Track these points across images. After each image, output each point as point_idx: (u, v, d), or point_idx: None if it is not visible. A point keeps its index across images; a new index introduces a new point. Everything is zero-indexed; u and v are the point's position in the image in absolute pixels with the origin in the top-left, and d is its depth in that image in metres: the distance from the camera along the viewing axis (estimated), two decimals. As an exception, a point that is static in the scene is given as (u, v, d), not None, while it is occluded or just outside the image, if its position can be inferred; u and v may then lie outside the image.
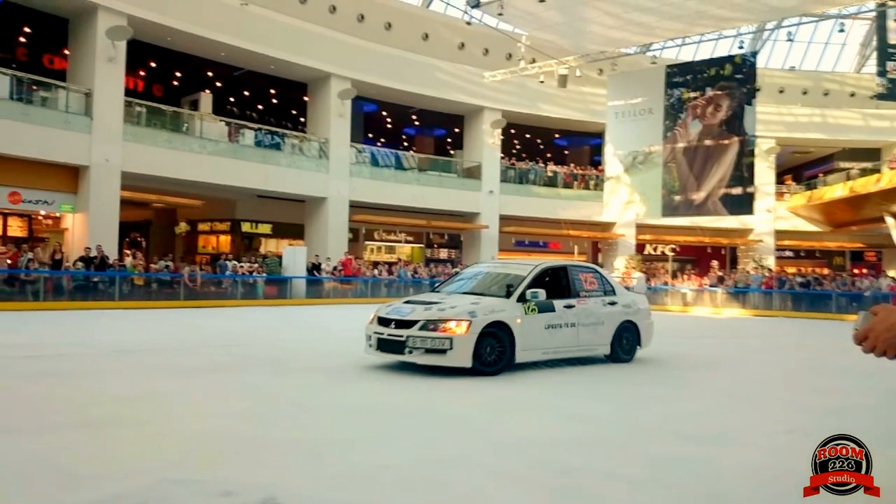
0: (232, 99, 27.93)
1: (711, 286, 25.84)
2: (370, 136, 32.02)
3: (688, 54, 30.73)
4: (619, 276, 27.55)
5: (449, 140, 33.71)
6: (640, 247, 32.29)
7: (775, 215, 32.57)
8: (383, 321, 7.80)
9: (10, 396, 5.85)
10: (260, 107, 29.48)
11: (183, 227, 26.58)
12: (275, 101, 29.12)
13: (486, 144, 29.63)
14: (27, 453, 4.11)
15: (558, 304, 8.35)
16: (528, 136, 33.94)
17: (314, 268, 23.15)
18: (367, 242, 30.16)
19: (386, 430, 5.05)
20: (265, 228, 27.64)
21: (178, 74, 25.82)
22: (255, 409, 5.62)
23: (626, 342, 9.13)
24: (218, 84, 26.00)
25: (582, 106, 30.85)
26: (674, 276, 28.85)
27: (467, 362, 7.39)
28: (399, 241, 31.19)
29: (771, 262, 31.39)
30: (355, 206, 26.35)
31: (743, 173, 26.22)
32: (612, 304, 9.01)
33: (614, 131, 29.38)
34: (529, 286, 8.19)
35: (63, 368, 7.60)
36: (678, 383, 8.06)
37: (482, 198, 29.54)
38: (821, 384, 8.08)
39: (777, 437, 5.28)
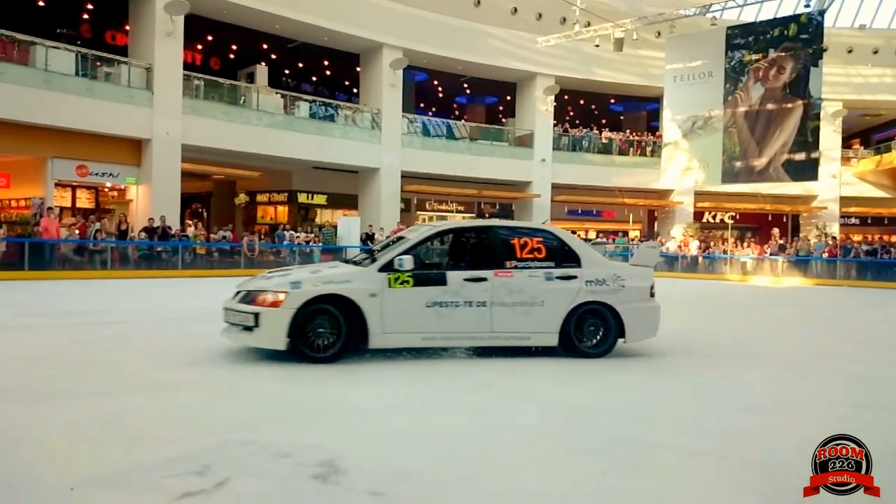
0: (287, 71, 28.23)
1: (772, 255, 25.13)
2: (421, 105, 31.96)
3: (750, 15, 29.48)
4: (675, 245, 27.21)
5: (500, 108, 33.39)
6: (698, 215, 31.54)
7: (841, 181, 31.28)
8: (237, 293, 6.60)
9: (79, 361, 6.14)
10: (314, 78, 29.73)
11: (242, 198, 27.23)
12: (328, 72, 29.32)
13: (538, 112, 29.24)
14: (96, 415, 4.34)
15: (455, 276, 6.55)
16: (582, 102, 33.32)
17: (367, 238, 23.44)
18: (419, 212, 30.30)
19: (455, 398, 5.16)
20: (320, 199, 28.07)
21: (235, 48, 26.21)
22: (315, 373, 5.79)
23: (590, 330, 6.86)
24: (273, 56, 26.29)
25: (639, 70, 30.05)
26: (734, 244, 28.17)
27: (279, 343, 6.08)
28: (450, 211, 31.23)
29: (835, 229, 30.26)
30: (407, 177, 26.48)
31: (807, 138, 25.27)
32: (565, 278, 6.77)
33: (672, 96, 28.61)
34: (407, 252, 6.52)
35: (130, 334, 7.97)
36: (736, 356, 7.90)
37: (534, 166, 29.26)
38: (890, 357, 7.84)
39: (838, 409, 5.18)
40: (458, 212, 31.41)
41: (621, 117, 35.41)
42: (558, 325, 6.72)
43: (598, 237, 30.27)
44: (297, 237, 22.19)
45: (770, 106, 26.05)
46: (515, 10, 27.80)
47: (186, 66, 21.49)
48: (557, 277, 6.78)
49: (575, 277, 6.81)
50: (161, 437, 3.92)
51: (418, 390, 5.38)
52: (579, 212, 32.27)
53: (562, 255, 6.95)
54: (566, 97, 31.17)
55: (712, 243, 27.75)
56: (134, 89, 19.69)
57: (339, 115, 25.32)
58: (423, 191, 28.53)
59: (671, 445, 4.05)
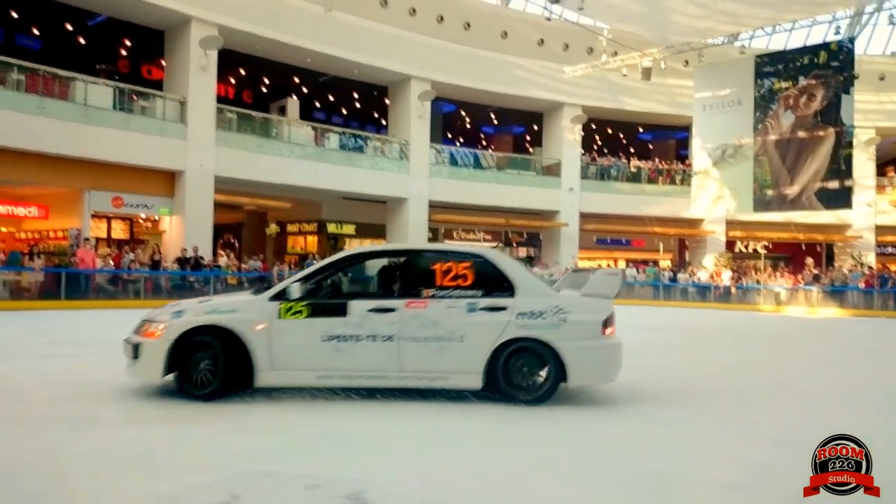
0: (317, 104, 28.75)
1: (806, 285, 24.63)
2: (449, 136, 32.25)
3: (779, 43, 29.37)
4: (707, 275, 26.83)
5: (528, 138, 33.53)
6: (730, 244, 31.13)
7: (876, 209, 30.65)
8: None
9: (105, 389, 6.19)
10: (344, 111, 30.21)
11: (273, 228, 27.59)
12: (357, 104, 29.78)
13: (565, 141, 29.31)
14: (120, 444, 4.39)
15: (358, 305, 5.78)
16: (610, 130, 33.32)
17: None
18: (447, 241, 30.37)
19: (487, 429, 5.11)
20: (349, 229, 28.31)
21: (267, 81, 26.80)
22: (343, 404, 5.78)
23: (523, 371, 5.80)
24: (304, 90, 26.82)
25: (667, 99, 30.01)
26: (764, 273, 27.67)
27: (155, 377, 5.73)
28: (478, 240, 31.24)
29: (871, 258, 29.60)
30: (435, 206, 26.65)
31: (840, 166, 24.92)
32: (492, 309, 5.78)
33: (702, 124, 28.50)
34: (307, 279, 5.97)
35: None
36: (766, 383, 7.72)
37: (562, 195, 29.22)
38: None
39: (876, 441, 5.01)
40: (485, 241, 31.43)
41: (650, 146, 35.30)
42: (482, 364, 5.71)
43: (627, 266, 30.01)
44: (326, 267, 22.31)
45: (801, 134, 25.79)
46: (542, 41, 28.06)
47: (220, 100, 22.01)
48: (483, 309, 5.79)
49: (504, 309, 5.78)
50: (185, 466, 3.94)
51: (431, 424, 5.29)
52: (608, 241, 32.05)
53: (493, 283, 5.94)
54: (594, 126, 31.20)
55: (745, 273, 27.32)
56: (168, 122, 20.20)
57: (367, 147, 25.67)
58: (451, 220, 28.63)
59: (702, 478, 3.95)
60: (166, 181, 20.63)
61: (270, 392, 6.07)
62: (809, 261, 28.02)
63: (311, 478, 3.71)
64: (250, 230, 29.21)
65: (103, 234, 21.22)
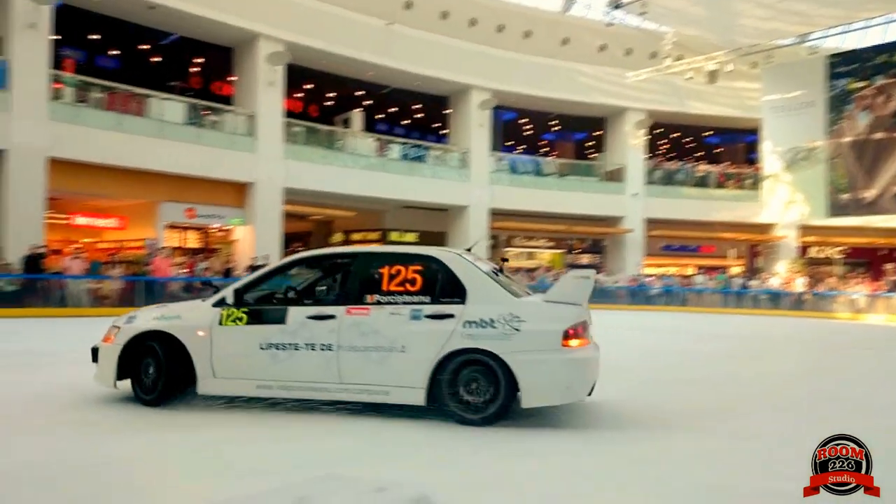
0: (380, 116, 29.24)
1: (888, 292, 23.48)
2: (509, 143, 32.23)
3: (852, 42, 28.21)
4: (779, 282, 25.93)
5: (589, 143, 33.18)
6: (803, 249, 29.97)
7: (964, 212, 28.99)
8: None
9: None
10: (405, 121, 30.62)
11: (338, 237, 28.19)
12: (418, 115, 30.12)
13: (629, 146, 28.89)
14: (193, 446, 4.57)
15: (298, 312, 5.41)
16: (675, 135, 32.61)
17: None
18: (507, 249, 30.31)
19: (556, 437, 5.13)
20: (411, 237, 28.61)
21: (332, 95, 27.43)
22: (409, 409, 5.87)
23: (471, 387, 5.13)
24: (367, 102, 27.34)
25: (734, 102, 29.23)
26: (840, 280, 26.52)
27: (110, 381, 5.68)
28: (539, 247, 31.07)
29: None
30: (495, 213, 26.69)
31: (923, 167, 23.68)
32: (438, 317, 5.21)
33: (772, 127, 27.65)
34: (250, 285, 5.74)
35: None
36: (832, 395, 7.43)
37: (626, 201, 28.79)
38: None
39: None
40: (547, 248, 31.24)
41: (717, 150, 34.39)
42: (425, 378, 5.13)
43: (698, 272, 29.30)
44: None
45: (879, 135, 24.69)
46: (604, 46, 27.79)
47: (288, 114, 22.67)
48: (428, 316, 5.21)
49: (451, 317, 5.17)
50: (254, 469, 4.09)
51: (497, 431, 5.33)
52: (676, 247, 31.35)
53: (443, 288, 5.33)
54: (658, 130, 30.66)
55: (820, 280, 26.27)
56: (238, 136, 20.94)
57: (428, 156, 25.97)
58: (512, 227, 28.59)
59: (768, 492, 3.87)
60: (237, 192, 21.37)
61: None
62: (889, 266, 26.71)
63: (375, 481, 3.80)
64: (317, 239, 29.91)
65: (178, 244, 22.11)
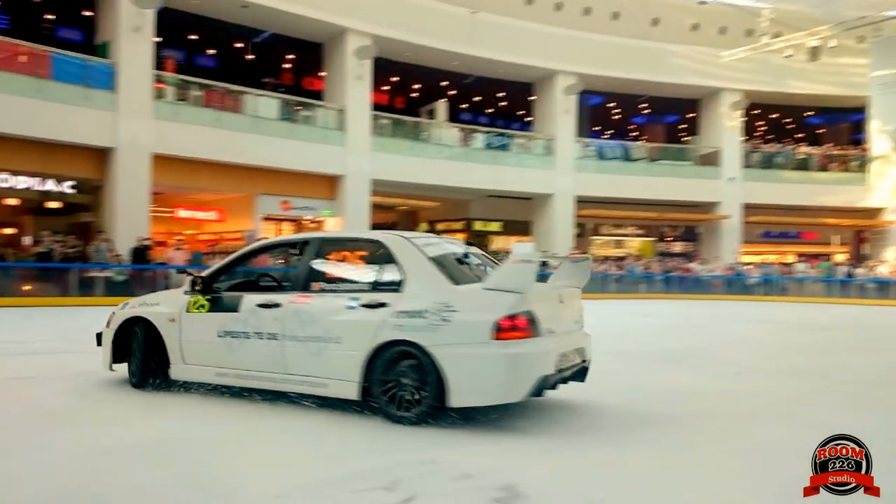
0: (463, 106, 29.33)
1: None
2: (596, 129, 31.61)
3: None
4: (889, 269, 24.28)
5: (682, 127, 32.10)
6: (916, 235, 27.98)
7: None
8: None
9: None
10: (489, 110, 30.58)
11: (424, 227, 28.53)
12: (502, 103, 30.01)
13: (724, 128, 27.74)
14: (299, 430, 4.71)
15: (250, 300, 5.31)
16: (774, 115, 31.10)
17: (542, 263, 23.42)
18: (594, 237, 29.80)
19: (645, 436, 5.05)
20: (496, 226, 28.62)
21: (417, 86, 27.73)
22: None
23: (403, 382, 4.70)
24: (451, 92, 27.47)
25: (838, 79, 27.53)
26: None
27: (106, 366, 5.96)
28: (628, 235, 30.37)
29: None
30: (581, 201, 26.27)
31: None
32: (372, 305, 4.84)
33: (881, 104, 25.93)
34: (215, 273, 5.73)
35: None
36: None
37: (722, 186, 27.69)
38: None
39: None
40: (636, 236, 30.49)
41: (819, 130, 32.50)
42: (358, 371, 4.80)
43: (799, 260, 27.88)
44: (474, 264, 22.73)
45: None
46: (696, 25, 26.74)
47: (375, 107, 23.10)
48: (364, 305, 4.85)
49: (384, 306, 4.78)
50: (356, 451, 4.21)
51: (580, 419, 5.26)
52: (775, 234, 29.94)
53: (383, 275, 4.99)
54: (756, 111, 29.28)
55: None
56: (329, 130, 21.53)
57: (512, 144, 25.83)
58: (599, 215, 28.07)
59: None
60: (328, 185, 22.00)
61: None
62: None
63: (461, 466, 3.84)
64: (403, 229, 30.35)
65: (274, 235, 22.97)
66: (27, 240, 18.29)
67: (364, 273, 5.12)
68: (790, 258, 29.15)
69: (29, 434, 4.51)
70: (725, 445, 4.57)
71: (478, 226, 28.34)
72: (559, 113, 25.66)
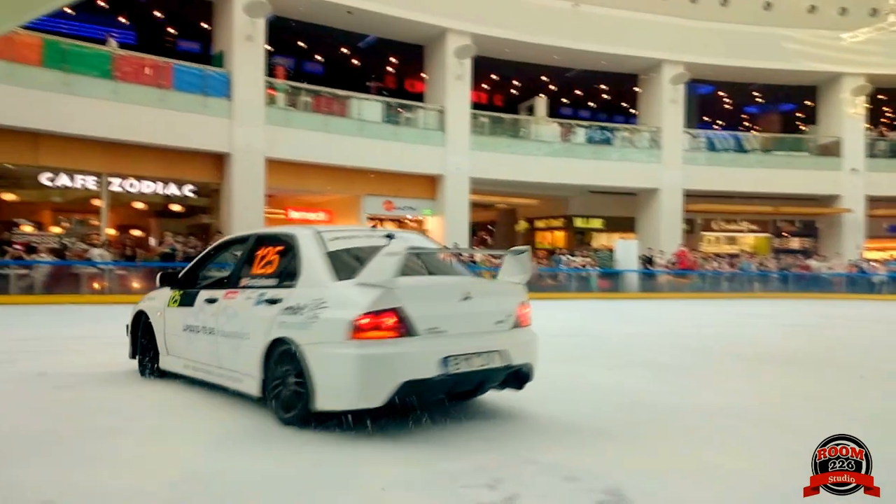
0: (564, 100, 28.97)
1: None
2: (705, 119, 30.38)
3: None
4: None
5: (799, 115, 30.31)
6: None
7: None
8: None
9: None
10: (591, 104, 30.05)
11: (523, 224, 28.45)
12: (605, 96, 29.41)
13: (846, 115, 25.94)
14: (374, 430, 4.66)
15: (202, 296, 5.52)
16: (902, 100, 28.80)
17: (647, 261, 22.83)
18: (704, 233, 28.66)
19: (740, 438, 4.88)
20: (597, 223, 28.11)
21: (516, 83, 27.66)
22: (603, 399, 5.84)
23: (287, 383, 4.50)
24: (552, 87, 27.21)
25: (977, 57, 25.11)
26: None
27: (130, 355, 6.41)
28: (741, 231, 29.01)
29: None
30: (690, 195, 25.30)
31: None
32: (271, 301, 4.76)
33: None
34: (192, 269, 5.98)
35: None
36: None
37: (843, 177, 25.95)
38: None
39: None
40: (749, 231, 29.11)
41: (958, 114, 29.80)
42: (257, 367, 4.71)
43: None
44: (573, 261, 22.49)
45: None
46: (813, 7, 25.16)
47: (474, 105, 23.27)
48: (266, 301, 4.79)
49: (278, 302, 4.68)
50: (460, 447, 4.26)
51: (693, 420, 5.11)
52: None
53: (288, 270, 4.85)
54: (882, 97, 27.21)
55: None
56: (429, 131, 21.91)
57: (615, 138, 25.26)
58: (709, 210, 26.98)
59: None
60: (429, 185, 22.39)
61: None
62: None
63: (565, 468, 3.84)
64: (502, 227, 30.44)
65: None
66: (152, 241, 19.71)
67: (276, 269, 5.02)
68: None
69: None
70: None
71: (578, 223, 27.95)
72: (666, 103, 24.84)
